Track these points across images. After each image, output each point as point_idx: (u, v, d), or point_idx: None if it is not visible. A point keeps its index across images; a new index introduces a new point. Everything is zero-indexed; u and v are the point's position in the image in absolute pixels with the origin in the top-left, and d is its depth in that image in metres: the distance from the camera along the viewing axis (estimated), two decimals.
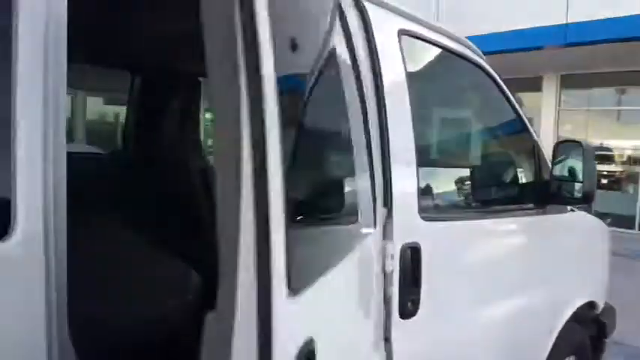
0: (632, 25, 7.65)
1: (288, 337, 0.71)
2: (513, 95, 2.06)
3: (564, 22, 8.24)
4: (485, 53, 2.01)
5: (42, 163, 0.82)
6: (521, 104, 2.18)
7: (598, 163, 10.34)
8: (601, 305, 2.67)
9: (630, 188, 10.32)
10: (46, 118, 0.82)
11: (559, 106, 11.03)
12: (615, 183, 10.67)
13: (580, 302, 2.33)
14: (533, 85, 10.97)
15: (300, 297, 0.74)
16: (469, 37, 1.99)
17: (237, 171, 0.57)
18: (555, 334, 2.17)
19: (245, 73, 0.57)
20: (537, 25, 8.32)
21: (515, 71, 9.53)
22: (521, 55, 8.96)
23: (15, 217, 0.79)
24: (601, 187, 10.30)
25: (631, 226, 9.73)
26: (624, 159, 10.83)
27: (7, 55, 0.79)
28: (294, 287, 0.71)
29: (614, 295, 3.16)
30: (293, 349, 0.71)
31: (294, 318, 0.73)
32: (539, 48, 8.72)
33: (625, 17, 7.54)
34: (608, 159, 11.01)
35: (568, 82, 10.85)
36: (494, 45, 8.40)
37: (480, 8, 9.00)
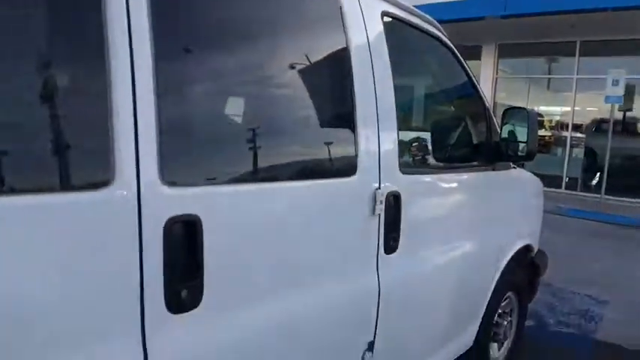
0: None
1: (161, 209, 1.04)
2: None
3: None
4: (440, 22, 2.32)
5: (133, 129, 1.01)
6: None
7: None
8: (535, 249, 3.12)
9: (558, 151, 11.15)
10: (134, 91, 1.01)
11: (496, 74, 11.65)
12: (545, 146, 11.48)
13: (519, 245, 2.74)
14: (473, 53, 11.51)
15: (183, 187, 1.10)
16: (417, 6, 2.27)
17: None
18: (500, 272, 2.57)
19: None
20: None
21: (457, 39, 9.99)
22: (464, 25, 9.39)
23: (114, 168, 0.99)
24: None
25: (559, 186, 10.59)
26: (553, 124, 11.66)
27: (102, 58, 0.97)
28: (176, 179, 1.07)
29: (550, 247, 3.67)
30: (165, 216, 1.04)
31: (168, 199, 1.06)
32: (480, 18, 9.18)
33: None
34: (539, 124, 11.82)
35: (505, 51, 11.46)
36: (440, 14, 8.79)
37: None
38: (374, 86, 1.63)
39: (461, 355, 2.43)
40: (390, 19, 1.78)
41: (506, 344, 2.99)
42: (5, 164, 0.85)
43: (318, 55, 1.56)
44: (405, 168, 1.78)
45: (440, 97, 2.55)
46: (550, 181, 10.34)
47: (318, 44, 1.58)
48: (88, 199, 0.94)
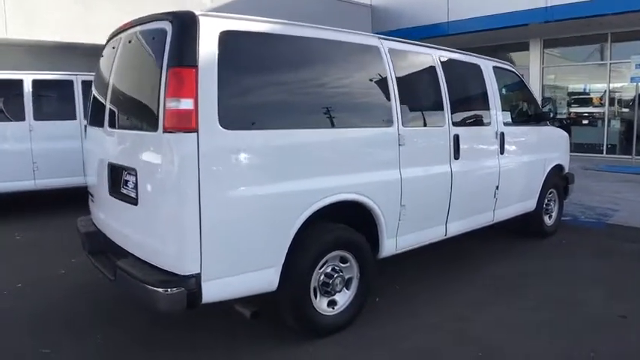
0: (592, 7, 10.78)
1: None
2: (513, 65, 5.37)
3: (544, 5, 11.32)
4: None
5: None
6: (513, 63, 5.45)
7: (577, 106, 13.43)
8: (566, 169, 6.01)
9: (599, 124, 13.53)
10: None
11: (542, 63, 14.09)
12: (588, 120, 13.83)
13: (555, 163, 5.65)
14: (522, 46, 14.02)
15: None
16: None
17: None
18: (545, 174, 5.50)
19: None
20: (523, 8, 11.45)
21: (510, 39, 12.74)
22: (514, 30, 12.08)
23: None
24: (577, 124, 13.60)
25: (600, 152, 13.01)
26: (593, 102, 13.98)
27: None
28: None
29: (586, 187, 6.66)
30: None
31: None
32: (525, 25, 11.83)
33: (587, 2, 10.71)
34: (582, 102, 14.18)
35: (549, 43, 13.90)
36: (497, 23, 11.60)
37: None
38: (493, 95, 4.63)
39: (529, 224, 5.44)
40: (497, 68, 4.79)
41: (553, 219, 5.89)
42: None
43: (477, 86, 4.58)
44: (505, 123, 4.77)
45: (516, 96, 5.54)
46: (593, 147, 12.85)
47: (477, 82, 4.59)
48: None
